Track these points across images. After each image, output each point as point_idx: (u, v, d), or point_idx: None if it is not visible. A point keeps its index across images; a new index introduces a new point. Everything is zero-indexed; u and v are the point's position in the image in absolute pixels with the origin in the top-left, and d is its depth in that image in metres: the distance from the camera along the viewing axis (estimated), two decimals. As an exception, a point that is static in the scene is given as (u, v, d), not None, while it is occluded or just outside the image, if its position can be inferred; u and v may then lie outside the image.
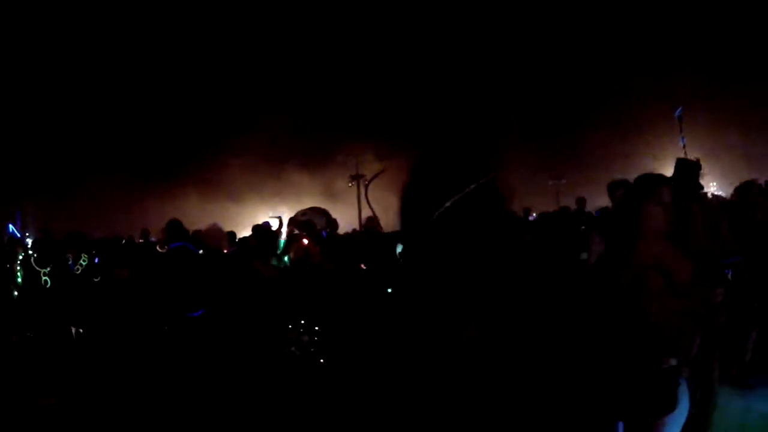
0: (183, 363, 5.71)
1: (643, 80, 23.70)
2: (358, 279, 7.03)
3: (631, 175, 4.89)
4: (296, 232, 6.37)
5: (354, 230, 13.79)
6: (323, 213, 6.34)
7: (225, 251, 8.22)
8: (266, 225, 8.37)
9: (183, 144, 25.40)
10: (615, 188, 5.33)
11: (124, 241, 9.59)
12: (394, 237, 9.87)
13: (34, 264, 4.36)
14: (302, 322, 5.67)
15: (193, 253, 5.75)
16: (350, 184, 24.53)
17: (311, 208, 6.32)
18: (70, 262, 5.34)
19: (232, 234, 9.11)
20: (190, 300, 5.61)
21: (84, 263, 5.35)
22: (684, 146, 7.31)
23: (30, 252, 5.28)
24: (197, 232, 8.00)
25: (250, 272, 7.60)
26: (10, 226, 12.57)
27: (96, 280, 5.45)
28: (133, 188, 24.50)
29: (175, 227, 5.88)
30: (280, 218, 8.67)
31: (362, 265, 7.41)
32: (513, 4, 25.71)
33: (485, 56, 25.93)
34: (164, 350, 5.73)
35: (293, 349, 5.67)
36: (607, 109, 24.86)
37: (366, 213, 23.71)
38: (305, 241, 6.23)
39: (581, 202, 10.88)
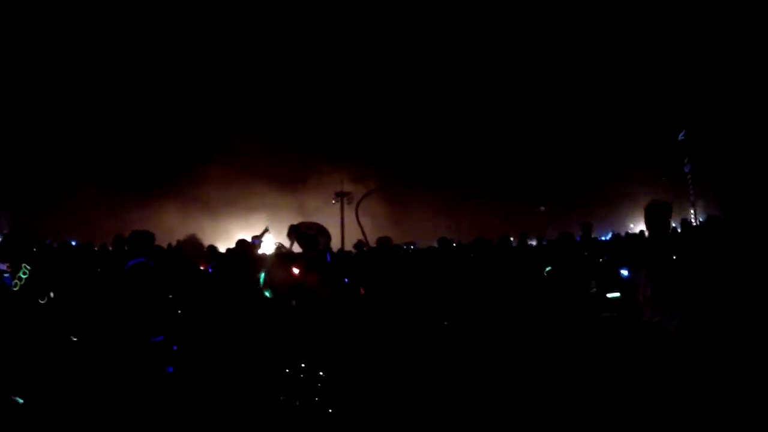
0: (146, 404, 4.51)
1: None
2: (364, 307, 5.92)
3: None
4: (295, 245, 5.19)
5: (344, 248, 12.63)
6: (325, 232, 5.20)
7: (202, 267, 7.06)
8: (255, 242, 7.19)
9: (165, 156, 25.08)
10: (657, 210, 4.36)
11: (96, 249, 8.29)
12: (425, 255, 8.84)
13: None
14: (303, 365, 4.52)
15: (153, 271, 4.78)
16: (334, 201, 23.56)
17: (316, 224, 5.17)
18: (7, 276, 4.12)
19: (212, 248, 7.92)
20: (146, 324, 4.60)
21: (24, 276, 4.12)
22: (689, 173, 6.24)
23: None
24: (177, 242, 6.89)
25: (234, 297, 6.43)
26: None
27: (42, 301, 4.20)
28: (114, 197, 23.80)
29: (138, 239, 4.85)
30: (266, 229, 7.61)
31: (362, 290, 6.34)
32: (510, 29, 25.69)
33: (466, 82, 26.14)
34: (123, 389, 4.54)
35: (289, 397, 4.51)
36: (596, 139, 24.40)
37: (349, 231, 23.11)
38: (296, 271, 5.07)
39: (587, 227, 9.79)
